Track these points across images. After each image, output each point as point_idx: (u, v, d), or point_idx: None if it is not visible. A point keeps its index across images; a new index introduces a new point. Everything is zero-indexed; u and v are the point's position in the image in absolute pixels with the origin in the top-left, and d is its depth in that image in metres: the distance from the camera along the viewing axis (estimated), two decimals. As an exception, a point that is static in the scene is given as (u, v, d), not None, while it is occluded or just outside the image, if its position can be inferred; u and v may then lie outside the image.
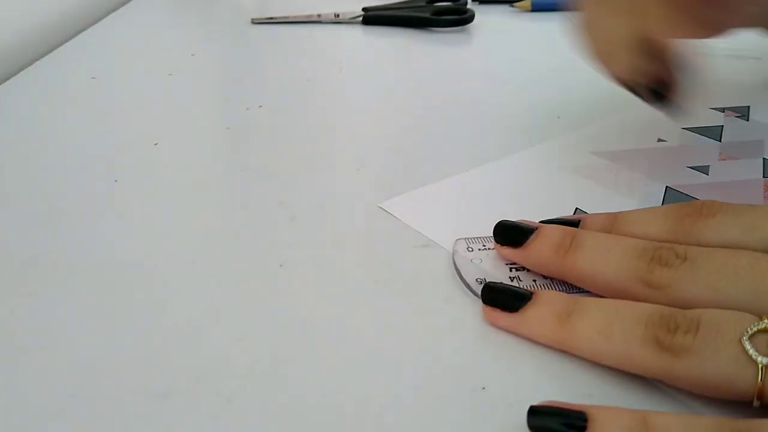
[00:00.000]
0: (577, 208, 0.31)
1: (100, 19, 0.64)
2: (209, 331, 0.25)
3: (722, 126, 0.39)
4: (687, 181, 0.33)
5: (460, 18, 0.58)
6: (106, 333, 0.26)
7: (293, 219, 0.32)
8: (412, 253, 0.29)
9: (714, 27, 0.33)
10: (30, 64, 0.53)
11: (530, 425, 0.20)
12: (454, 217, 0.32)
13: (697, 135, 0.38)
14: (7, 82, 0.50)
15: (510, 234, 0.27)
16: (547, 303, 0.24)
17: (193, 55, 0.55)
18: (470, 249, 0.28)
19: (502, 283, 0.26)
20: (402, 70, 0.51)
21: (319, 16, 0.62)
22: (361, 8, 0.61)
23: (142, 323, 0.26)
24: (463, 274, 0.27)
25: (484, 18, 0.60)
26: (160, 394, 0.23)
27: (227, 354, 0.24)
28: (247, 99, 0.46)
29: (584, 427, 0.20)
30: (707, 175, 0.34)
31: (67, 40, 0.58)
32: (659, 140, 0.37)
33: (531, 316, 0.24)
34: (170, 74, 0.51)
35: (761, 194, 0.32)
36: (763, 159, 0.35)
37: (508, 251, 0.27)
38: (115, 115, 0.44)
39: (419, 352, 0.24)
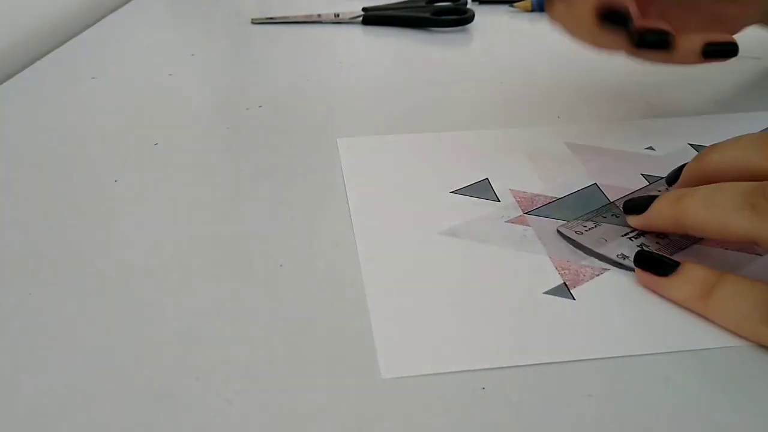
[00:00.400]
0: (486, 178, 0.34)
1: (100, 19, 0.64)
2: (209, 331, 0.25)
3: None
4: (625, 184, 0.33)
5: (460, 18, 0.58)
6: (106, 333, 0.26)
7: (293, 219, 0.32)
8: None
9: (727, 23, 0.33)
10: (30, 64, 0.53)
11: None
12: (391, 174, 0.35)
13: (695, 151, 0.36)
14: (7, 82, 0.50)
15: (636, 204, 0.29)
16: (691, 273, 0.25)
17: (193, 55, 0.55)
18: (580, 232, 0.29)
19: (653, 252, 0.27)
20: (402, 70, 0.51)
21: (319, 16, 0.62)
22: (361, 8, 0.61)
23: (142, 323, 0.26)
24: (602, 252, 0.28)
25: (484, 18, 0.60)
26: (160, 394, 0.23)
27: (227, 354, 0.24)
28: (247, 99, 0.46)
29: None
30: (649, 183, 0.33)
31: (67, 40, 0.58)
32: (648, 148, 0.37)
33: (676, 283, 0.26)
34: (170, 74, 0.51)
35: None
36: None
37: (633, 219, 0.29)
38: (115, 115, 0.44)
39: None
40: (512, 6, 0.64)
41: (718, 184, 0.26)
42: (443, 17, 0.58)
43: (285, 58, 0.53)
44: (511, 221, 0.31)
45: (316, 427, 0.22)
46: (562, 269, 0.28)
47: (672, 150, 0.37)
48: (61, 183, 0.36)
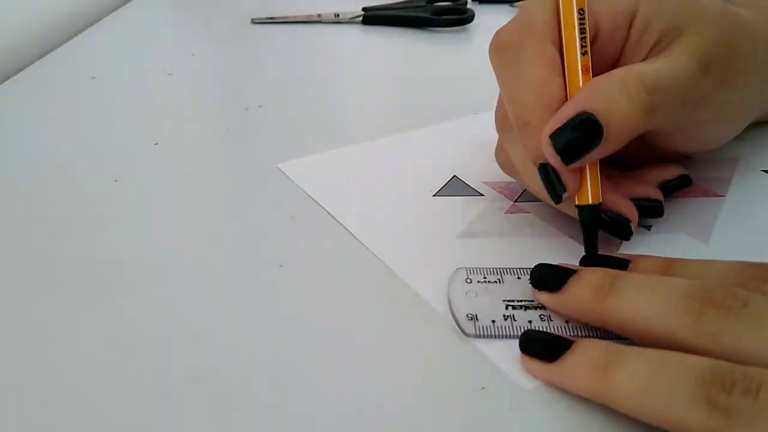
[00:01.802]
0: (454, 176, 0.34)
1: (100, 19, 0.64)
2: (209, 331, 0.25)
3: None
4: None
5: (460, 18, 0.58)
6: (105, 333, 0.26)
7: (293, 218, 0.32)
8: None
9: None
10: (30, 64, 0.53)
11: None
12: (355, 186, 0.34)
13: None
14: (7, 81, 0.50)
15: (546, 279, 0.25)
16: (586, 352, 0.21)
17: (193, 55, 0.55)
18: (468, 280, 0.27)
19: (539, 330, 0.24)
20: (402, 69, 0.51)
21: (319, 16, 0.62)
22: (361, 8, 0.61)
23: (142, 323, 0.26)
24: (453, 308, 0.25)
25: (484, 18, 0.60)
26: (160, 394, 0.23)
27: (227, 354, 0.24)
28: (247, 99, 0.46)
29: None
30: None
31: (67, 40, 0.58)
32: None
33: (569, 366, 0.21)
34: (170, 74, 0.51)
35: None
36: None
37: (544, 296, 0.24)
38: (115, 115, 0.44)
39: (419, 352, 0.24)
40: (512, 6, 0.64)
41: (652, 280, 0.23)
42: (443, 17, 0.58)
43: (285, 58, 0.53)
44: (509, 212, 0.31)
45: (316, 427, 0.22)
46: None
47: None
48: (61, 183, 0.36)
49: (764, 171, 0.34)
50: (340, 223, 0.31)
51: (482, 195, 0.33)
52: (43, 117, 0.44)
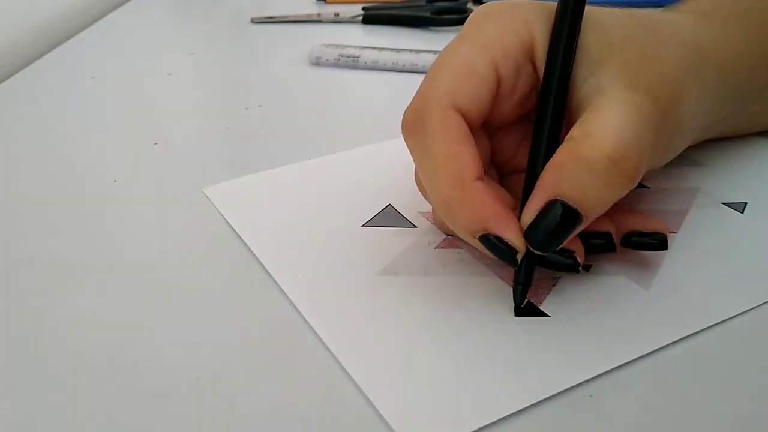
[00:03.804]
0: (389, 204, 0.32)
1: (99, 18, 0.64)
2: (209, 331, 0.25)
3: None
4: None
5: (459, 17, 0.58)
6: (105, 333, 0.26)
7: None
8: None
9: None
10: (30, 63, 0.53)
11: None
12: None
13: None
14: (7, 81, 0.50)
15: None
16: None
17: (193, 54, 0.55)
18: None
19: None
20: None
21: (318, 15, 0.62)
22: (360, 8, 0.61)
23: (142, 323, 0.26)
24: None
25: (484, 17, 0.60)
26: (160, 394, 0.23)
27: (228, 354, 0.24)
28: (247, 99, 0.46)
29: None
30: None
31: (66, 40, 0.58)
32: None
33: None
34: (170, 74, 0.51)
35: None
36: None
37: None
38: (114, 115, 0.44)
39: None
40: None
41: None
42: (443, 16, 0.58)
43: (285, 58, 0.53)
44: (440, 246, 0.29)
45: (317, 427, 0.22)
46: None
47: None
48: (60, 183, 0.36)
49: (725, 204, 0.31)
50: (254, 254, 0.29)
51: (415, 227, 0.30)
52: (43, 117, 0.44)
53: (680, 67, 0.27)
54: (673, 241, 0.29)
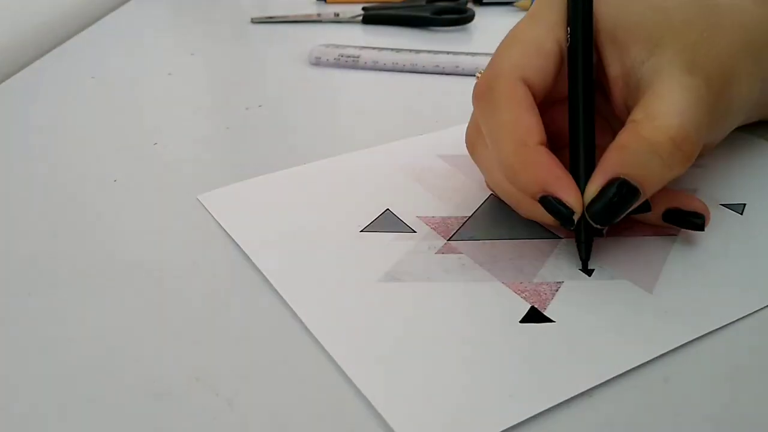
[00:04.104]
0: (387, 209, 0.32)
1: (99, 18, 0.64)
2: (209, 331, 0.25)
3: None
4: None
5: (460, 17, 0.58)
6: (105, 333, 0.26)
7: (293, 219, 0.32)
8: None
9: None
10: (30, 63, 0.53)
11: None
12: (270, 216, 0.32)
13: None
14: (7, 81, 0.50)
15: None
16: None
17: (192, 54, 0.55)
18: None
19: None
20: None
21: (318, 15, 0.62)
22: (360, 8, 0.61)
23: (142, 323, 0.26)
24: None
25: (484, 17, 0.60)
26: (160, 394, 0.23)
27: (228, 354, 0.24)
28: (247, 99, 0.46)
29: None
30: None
31: (66, 40, 0.58)
32: None
33: None
34: (170, 74, 0.51)
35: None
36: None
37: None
38: (114, 115, 0.44)
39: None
40: (513, 5, 0.64)
41: None
42: (443, 16, 0.58)
43: (285, 58, 0.53)
44: (441, 251, 0.29)
45: (318, 428, 0.22)
46: (522, 292, 0.26)
47: None
48: (60, 183, 0.36)
49: (724, 205, 0.31)
50: (252, 262, 0.29)
51: (414, 232, 0.30)
52: (43, 117, 0.44)
53: (736, 50, 0.29)
54: (674, 243, 0.29)
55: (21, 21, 0.58)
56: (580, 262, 0.27)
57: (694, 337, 0.24)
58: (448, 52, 0.49)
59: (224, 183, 0.35)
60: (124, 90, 0.48)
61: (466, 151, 0.32)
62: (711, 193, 0.32)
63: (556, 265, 0.28)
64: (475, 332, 0.25)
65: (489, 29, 0.58)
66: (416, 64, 0.49)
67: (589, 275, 0.27)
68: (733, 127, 0.32)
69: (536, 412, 0.21)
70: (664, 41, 0.27)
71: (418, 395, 0.22)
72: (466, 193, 0.33)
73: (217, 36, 0.60)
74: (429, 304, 0.26)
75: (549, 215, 0.26)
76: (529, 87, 0.28)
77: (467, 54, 0.49)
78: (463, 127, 0.32)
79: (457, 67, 0.48)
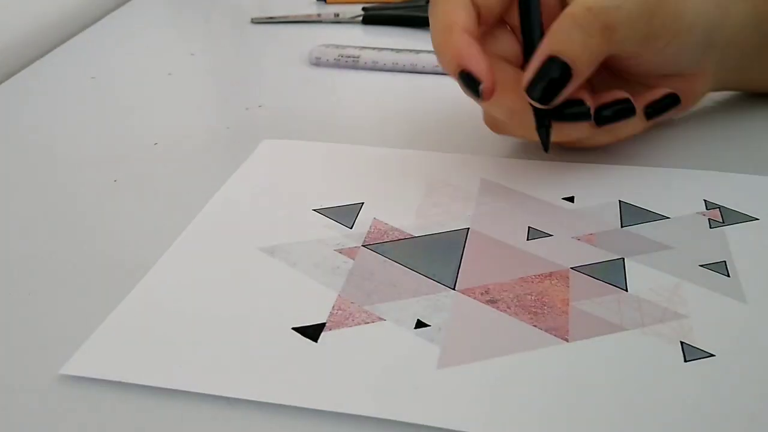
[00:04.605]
0: (362, 203, 0.33)
1: (100, 18, 0.64)
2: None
3: (668, 218, 0.31)
4: (500, 235, 0.30)
5: (460, 17, 0.58)
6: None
7: (293, 219, 0.32)
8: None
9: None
10: (30, 63, 0.53)
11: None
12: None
13: (617, 210, 0.31)
14: (7, 81, 0.50)
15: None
16: None
17: (192, 54, 0.55)
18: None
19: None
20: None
21: (318, 15, 0.62)
22: (360, 8, 0.61)
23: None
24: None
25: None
26: (160, 394, 0.23)
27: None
28: (247, 99, 0.46)
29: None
30: (527, 240, 0.30)
31: (66, 40, 0.58)
32: (566, 198, 0.32)
33: None
34: (170, 74, 0.51)
35: (525, 273, 0.28)
36: (622, 259, 0.28)
37: None
38: (114, 115, 0.44)
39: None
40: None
41: None
42: (443, 17, 0.58)
43: (285, 58, 0.53)
44: (341, 251, 0.29)
45: (319, 429, 0.21)
46: (338, 309, 0.26)
47: (594, 204, 0.32)
48: (61, 183, 0.36)
49: (684, 344, 0.25)
50: None
51: (350, 228, 0.31)
52: (43, 117, 0.44)
53: None
54: (547, 347, 0.25)
55: (21, 21, 0.58)
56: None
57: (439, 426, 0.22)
58: (448, 52, 0.49)
59: (224, 181, 0.35)
60: (124, 90, 0.48)
61: (508, 184, 0.33)
62: (688, 330, 0.25)
63: (405, 307, 0.26)
64: (258, 318, 0.26)
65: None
66: (416, 64, 0.49)
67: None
68: (687, 46, 0.32)
69: (199, 390, 0.23)
70: None
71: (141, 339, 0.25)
72: (451, 217, 0.31)
73: (217, 36, 0.60)
74: (264, 283, 0.28)
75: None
76: (475, 5, 0.30)
77: (467, 54, 0.49)
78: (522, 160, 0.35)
79: (457, 67, 0.48)
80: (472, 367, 0.24)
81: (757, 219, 0.30)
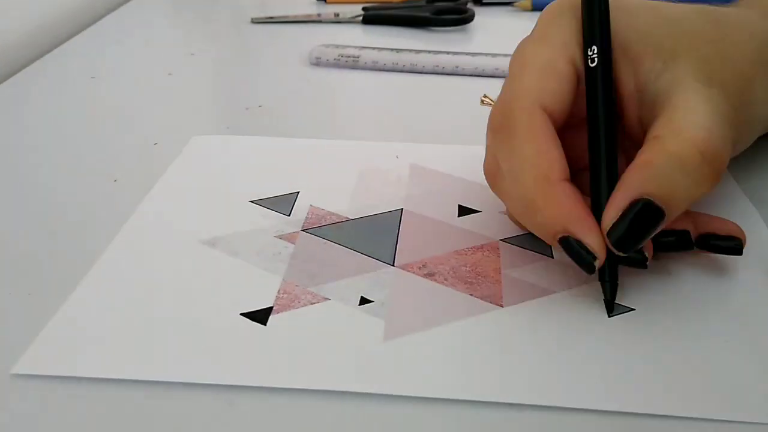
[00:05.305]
0: (297, 192, 0.33)
1: (100, 18, 0.64)
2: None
3: None
4: (432, 213, 0.32)
5: (460, 17, 0.58)
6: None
7: (293, 219, 0.32)
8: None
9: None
10: (30, 63, 0.53)
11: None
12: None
13: None
14: (7, 81, 0.50)
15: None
16: None
17: (192, 54, 0.55)
18: None
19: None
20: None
21: (318, 15, 0.62)
22: (360, 8, 0.61)
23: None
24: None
25: (484, 17, 0.60)
26: (160, 394, 0.23)
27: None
28: (247, 99, 0.46)
29: None
30: (458, 217, 0.31)
31: (66, 40, 0.58)
32: None
33: None
34: (170, 74, 0.51)
35: (457, 247, 0.29)
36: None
37: None
38: (115, 115, 0.44)
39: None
40: (512, 5, 0.64)
41: None
42: (443, 17, 0.58)
43: (285, 58, 0.53)
44: (281, 236, 0.30)
45: (321, 429, 0.21)
46: (284, 293, 0.27)
47: None
48: (61, 182, 0.36)
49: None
50: None
51: (288, 215, 0.32)
52: (43, 117, 0.44)
53: (750, 61, 0.27)
54: (483, 313, 0.26)
55: (21, 21, 0.58)
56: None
57: (380, 393, 0.23)
58: (448, 52, 0.49)
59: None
60: (125, 90, 0.48)
61: (439, 169, 0.33)
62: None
63: (349, 285, 0.27)
64: (204, 306, 0.26)
65: (489, 29, 0.59)
66: (416, 64, 0.49)
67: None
68: (753, 140, 0.31)
69: (151, 378, 0.23)
70: (679, 53, 0.26)
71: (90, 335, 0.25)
72: (384, 200, 0.33)
73: (217, 36, 0.60)
74: (206, 273, 0.28)
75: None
76: (548, 114, 0.26)
77: (467, 54, 0.49)
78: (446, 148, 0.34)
79: (457, 67, 0.48)
80: (416, 336, 0.25)
81: None
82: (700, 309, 0.26)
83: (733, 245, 0.26)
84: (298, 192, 0.33)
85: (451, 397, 0.22)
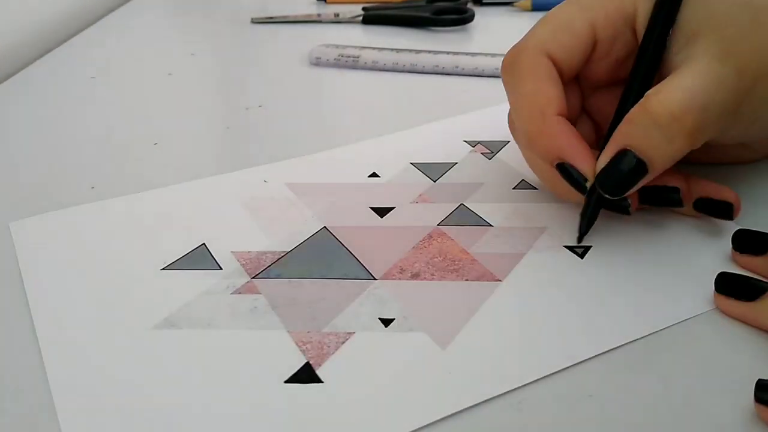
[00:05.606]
0: (203, 244, 0.29)
1: (100, 18, 0.64)
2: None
3: (456, 163, 0.35)
4: (356, 222, 0.30)
5: (460, 17, 0.58)
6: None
7: (293, 219, 0.32)
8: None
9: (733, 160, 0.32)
10: (30, 63, 0.53)
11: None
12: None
13: (418, 172, 0.34)
14: (7, 81, 0.50)
15: (738, 288, 0.25)
16: None
17: (192, 54, 0.55)
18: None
19: (737, 273, 0.26)
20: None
21: (318, 15, 0.62)
22: (360, 8, 0.61)
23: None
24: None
25: (484, 17, 0.60)
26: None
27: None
28: (247, 99, 0.46)
29: None
30: (381, 218, 0.31)
31: (67, 40, 0.58)
32: (371, 175, 0.34)
33: (765, 307, 0.24)
34: (170, 74, 0.51)
35: (412, 243, 0.29)
36: (462, 204, 0.31)
37: (735, 306, 0.25)
38: (114, 115, 0.44)
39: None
40: (513, 6, 0.64)
41: None
42: (443, 17, 0.58)
43: (285, 58, 0.53)
44: (238, 291, 0.26)
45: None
46: (304, 344, 0.24)
47: (395, 173, 0.34)
48: (60, 182, 0.36)
49: (568, 247, 0.28)
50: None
51: (220, 269, 0.28)
52: (43, 117, 0.44)
53: None
54: (493, 293, 0.26)
55: (21, 21, 0.58)
56: (382, 309, 0.25)
57: (473, 404, 0.22)
58: (448, 52, 0.49)
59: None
60: (125, 90, 0.48)
61: (317, 180, 0.34)
62: (558, 233, 0.29)
63: (356, 312, 0.25)
64: (237, 393, 0.22)
65: (489, 29, 0.58)
66: (416, 64, 0.49)
67: (386, 326, 0.25)
68: (764, 133, 0.30)
69: None
70: (702, 32, 0.27)
71: None
72: (298, 225, 0.30)
73: (217, 36, 0.60)
74: (197, 356, 0.24)
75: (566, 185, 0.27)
76: (555, 63, 0.28)
77: (467, 54, 0.49)
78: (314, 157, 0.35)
79: (457, 67, 0.48)
80: (462, 334, 0.24)
81: (508, 141, 0.35)
82: (648, 245, 0.28)
83: (724, 209, 0.28)
84: (203, 243, 0.29)
85: (547, 373, 0.23)
